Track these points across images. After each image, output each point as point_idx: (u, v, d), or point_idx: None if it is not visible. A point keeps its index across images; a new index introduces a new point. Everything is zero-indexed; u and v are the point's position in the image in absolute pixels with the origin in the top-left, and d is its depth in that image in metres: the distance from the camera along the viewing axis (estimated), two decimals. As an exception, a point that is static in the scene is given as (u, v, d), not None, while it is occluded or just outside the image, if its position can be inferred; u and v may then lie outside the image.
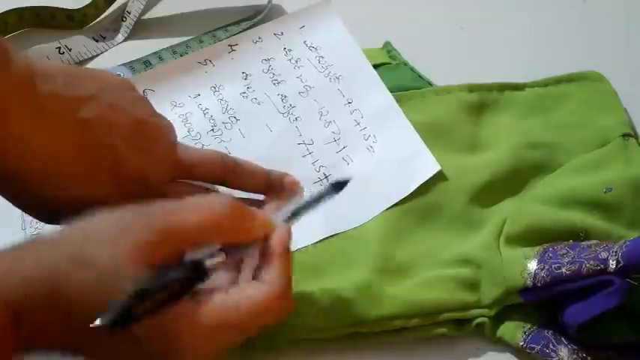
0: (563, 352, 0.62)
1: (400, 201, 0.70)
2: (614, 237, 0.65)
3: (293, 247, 0.57)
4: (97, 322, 0.47)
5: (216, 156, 0.65)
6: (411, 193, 0.71)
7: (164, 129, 0.64)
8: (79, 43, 0.84)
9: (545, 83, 0.77)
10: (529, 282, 0.63)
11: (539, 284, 0.63)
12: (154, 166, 0.63)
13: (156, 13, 0.87)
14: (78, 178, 0.61)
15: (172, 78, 0.78)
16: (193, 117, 0.76)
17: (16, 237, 0.70)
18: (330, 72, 0.77)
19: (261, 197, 0.65)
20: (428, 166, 0.72)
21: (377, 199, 0.71)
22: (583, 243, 0.64)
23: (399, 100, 0.76)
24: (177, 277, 0.50)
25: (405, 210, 0.70)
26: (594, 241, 0.64)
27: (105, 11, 0.86)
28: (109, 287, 0.49)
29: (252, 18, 0.84)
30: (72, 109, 0.60)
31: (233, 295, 0.53)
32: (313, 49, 0.79)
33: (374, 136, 0.74)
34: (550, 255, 0.63)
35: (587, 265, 0.61)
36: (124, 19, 0.85)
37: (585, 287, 0.61)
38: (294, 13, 0.81)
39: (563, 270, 0.62)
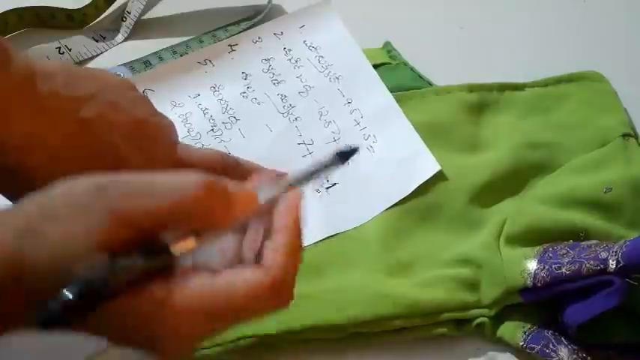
0: (563, 352, 0.62)
1: (400, 201, 0.70)
2: (614, 237, 0.65)
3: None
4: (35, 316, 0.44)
5: (217, 155, 0.65)
6: (411, 193, 0.71)
7: (165, 128, 0.64)
8: (79, 43, 0.84)
9: (545, 83, 0.77)
10: (529, 282, 0.63)
11: (539, 284, 0.63)
12: (154, 165, 0.63)
13: (156, 13, 0.87)
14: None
15: (172, 78, 0.78)
16: (193, 117, 0.76)
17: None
18: (330, 72, 0.77)
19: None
20: (428, 166, 0.72)
21: (377, 199, 0.71)
22: (583, 243, 0.64)
23: (399, 100, 0.76)
24: (132, 266, 0.45)
25: (405, 210, 0.70)
26: (594, 241, 0.64)
27: (105, 11, 0.86)
28: (61, 267, 0.45)
29: (252, 18, 0.84)
30: (72, 108, 0.60)
31: (224, 277, 0.48)
32: (313, 49, 0.79)
33: (374, 136, 0.74)
34: (550, 255, 0.63)
35: (587, 265, 0.61)
36: (124, 19, 0.85)
37: (585, 287, 0.61)
38: (294, 13, 0.81)
39: (563, 270, 0.62)
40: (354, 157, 0.72)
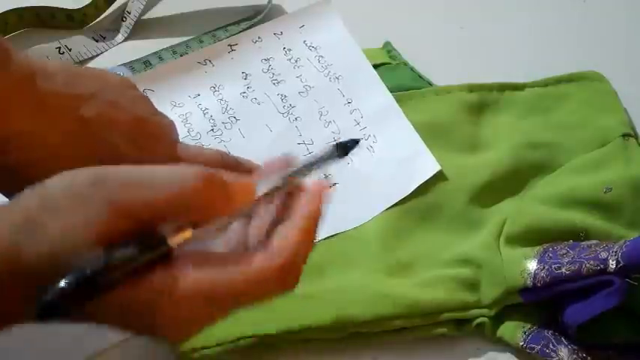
0: (563, 352, 0.62)
1: (400, 201, 0.70)
2: (614, 237, 0.65)
3: None
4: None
5: (217, 155, 0.65)
6: (411, 193, 0.71)
7: (165, 127, 0.64)
8: (79, 43, 0.84)
9: (545, 83, 0.77)
10: (529, 282, 0.63)
11: (539, 284, 0.63)
12: (154, 164, 0.62)
13: (156, 13, 0.87)
14: None
15: (172, 78, 0.78)
16: (193, 117, 0.76)
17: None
18: (329, 72, 0.77)
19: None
20: (428, 166, 0.72)
21: (377, 199, 0.71)
22: (583, 243, 0.64)
23: (399, 100, 0.76)
24: (130, 256, 0.45)
25: (405, 210, 0.70)
26: (594, 241, 0.64)
27: (105, 11, 0.86)
28: (61, 258, 0.45)
29: (252, 18, 0.84)
30: (72, 106, 0.60)
31: (225, 263, 0.48)
32: (313, 49, 0.79)
33: (374, 135, 0.74)
34: (550, 255, 0.63)
35: (587, 265, 0.61)
36: (124, 19, 0.85)
37: (585, 287, 0.61)
38: (294, 13, 0.81)
39: (563, 270, 0.62)
40: (355, 157, 0.73)
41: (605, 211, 0.67)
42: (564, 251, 0.63)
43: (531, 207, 0.68)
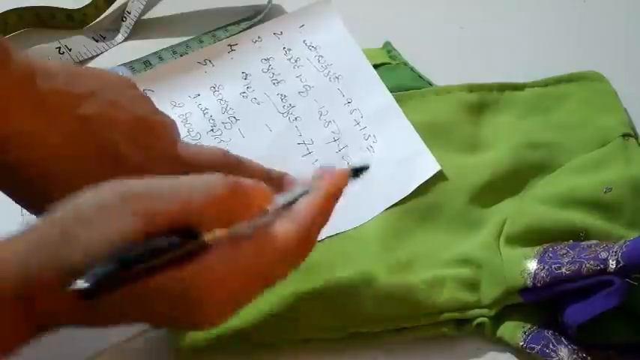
0: (563, 352, 0.62)
1: (400, 201, 0.70)
2: (614, 237, 0.65)
3: None
4: (77, 285, 0.48)
5: (219, 153, 0.66)
6: (411, 193, 0.71)
7: (166, 127, 0.65)
8: (79, 43, 0.84)
9: (545, 83, 0.77)
10: (529, 282, 0.63)
11: (539, 284, 0.63)
12: (154, 163, 0.63)
13: (156, 13, 0.87)
14: (79, 174, 0.61)
15: (172, 78, 0.78)
16: (193, 117, 0.76)
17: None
18: (329, 71, 0.77)
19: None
20: (428, 166, 0.72)
21: (377, 199, 0.71)
22: (583, 243, 0.64)
23: (399, 100, 0.76)
24: (165, 248, 0.50)
25: (405, 210, 0.70)
26: (594, 241, 0.64)
27: (105, 11, 0.86)
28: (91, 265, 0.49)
29: (252, 18, 0.84)
30: (72, 105, 0.61)
31: (254, 239, 0.54)
32: (313, 49, 0.79)
33: (374, 135, 0.74)
34: (550, 255, 0.63)
35: (587, 265, 0.61)
36: (124, 19, 0.85)
37: (585, 287, 0.61)
38: (294, 13, 0.81)
39: (563, 270, 0.62)
40: (355, 157, 0.74)
41: (605, 211, 0.67)
42: (564, 251, 0.63)
43: (531, 207, 0.68)
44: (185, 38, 0.83)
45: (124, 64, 0.81)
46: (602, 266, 0.61)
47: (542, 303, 0.64)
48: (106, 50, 0.84)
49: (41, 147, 0.60)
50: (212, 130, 0.76)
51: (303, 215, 0.56)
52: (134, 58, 0.81)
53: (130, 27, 0.85)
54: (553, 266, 0.62)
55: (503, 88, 0.77)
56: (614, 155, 0.71)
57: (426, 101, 0.76)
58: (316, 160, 0.73)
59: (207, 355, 0.62)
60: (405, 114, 0.75)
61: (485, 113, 0.76)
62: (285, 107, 0.76)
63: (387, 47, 0.81)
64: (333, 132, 0.75)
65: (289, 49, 0.79)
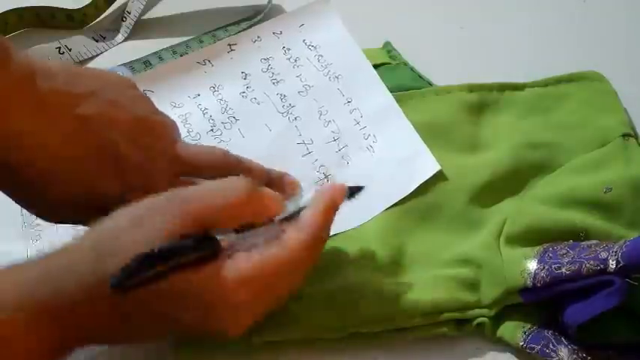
0: (563, 352, 0.62)
1: (400, 201, 0.70)
2: (614, 237, 0.65)
3: None
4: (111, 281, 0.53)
5: (219, 153, 0.66)
6: (410, 193, 0.71)
7: (166, 127, 0.65)
8: (79, 43, 0.84)
9: (545, 83, 0.77)
10: (529, 282, 0.63)
11: (539, 284, 0.62)
12: (154, 163, 0.63)
13: (156, 13, 0.87)
14: (79, 174, 0.61)
15: (171, 78, 0.78)
16: (193, 117, 0.76)
17: (16, 236, 0.70)
18: (329, 71, 0.77)
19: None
20: (428, 165, 0.72)
21: (377, 199, 0.70)
22: (583, 243, 0.64)
23: (399, 100, 0.76)
24: (185, 248, 0.54)
25: (405, 210, 0.70)
26: (594, 241, 0.64)
27: (105, 11, 0.87)
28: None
29: (252, 18, 0.84)
30: (72, 105, 0.61)
31: (268, 247, 0.57)
32: (312, 48, 0.79)
33: (374, 135, 0.74)
34: (550, 255, 0.63)
35: (588, 265, 0.61)
36: (124, 19, 0.85)
37: (585, 287, 0.61)
38: (293, 12, 0.81)
39: (564, 270, 0.62)
40: (355, 157, 0.74)
41: (605, 211, 0.67)
42: (564, 251, 0.63)
43: (531, 207, 0.68)
44: (185, 38, 0.83)
45: (124, 64, 0.81)
46: (602, 266, 0.61)
47: (542, 303, 0.64)
48: (106, 50, 0.84)
49: (41, 147, 0.60)
50: (212, 130, 0.76)
51: (310, 224, 0.58)
52: (134, 58, 0.81)
53: (130, 27, 0.85)
54: (553, 266, 0.62)
55: (503, 88, 0.77)
56: (614, 155, 0.71)
57: (426, 101, 0.76)
58: (316, 159, 0.73)
59: (207, 355, 0.62)
60: (405, 114, 0.75)
61: (485, 113, 0.76)
62: (285, 107, 0.76)
63: (387, 47, 0.81)
64: (332, 132, 0.75)
65: (289, 49, 0.79)
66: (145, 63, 0.81)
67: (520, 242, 0.66)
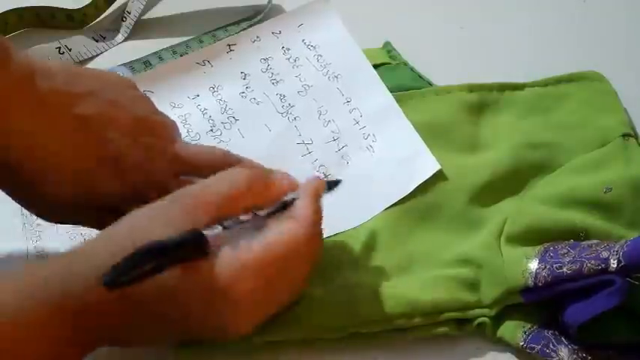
0: (564, 352, 0.62)
1: (400, 201, 0.70)
2: (614, 237, 0.65)
3: None
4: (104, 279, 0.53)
5: (219, 152, 0.66)
6: (410, 193, 0.71)
7: (166, 127, 0.65)
8: (79, 43, 0.84)
9: (545, 83, 0.77)
10: (530, 282, 0.63)
11: (540, 284, 0.62)
12: (154, 163, 0.63)
13: (156, 13, 0.87)
14: (78, 174, 0.61)
15: (171, 79, 0.78)
16: (192, 118, 0.76)
17: (16, 236, 0.70)
18: (328, 71, 0.77)
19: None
20: (428, 165, 0.71)
21: (377, 199, 0.70)
22: (584, 242, 0.64)
23: (399, 100, 0.76)
24: (173, 244, 0.55)
25: (405, 210, 0.70)
26: (595, 241, 0.64)
27: (105, 11, 0.87)
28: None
29: (252, 18, 0.84)
30: (71, 105, 0.61)
31: (261, 236, 0.58)
32: (312, 48, 0.79)
33: (373, 135, 0.74)
34: (551, 254, 0.63)
35: (589, 264, 0.61)
36: (124, 19, 0.85)
37: (586, 287, 0.61)
38: (292, 12, 0.81)
39: (565, 269, 0.62)
40: (355, 157, 0.73)
41: (605, 211, 0.67)
42: (565, 251, 0.63)
43: (531, 207, 0.68)
44: (185, 38, 0.83)
45: (124, 64, 0.81)
46: (603, 266, 0.61)
47: (542, 303, 0.63)
48: (106, 50, 0.84)
49: (41, 147, 0.60)
50: (211, 130, 0.75)
51: (304, 213, 0.59)
52: (134, 58, 0.81)
53: (130, 27, 0.85)
54: (554, 266, 0.62)
55: (503, 88, 0.77)
56: (614, 155, 0.71)
57: (426, 101, 0.76)
58: (316, 159, 0.73)
59: (207, 355, 0.62)
60: (405, 114, 0.75)
61: (485, 113, 0.76)
62: (285, 107, 0.76)
63: (387, 47, 0.81)
64: (332, 131, 0.75)
65: (288, 49, 0.79)
66: (145, 63, 0.81)
67: (520, 242, 0.66)
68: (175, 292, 0.55)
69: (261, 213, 0.60)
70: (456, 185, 0.71)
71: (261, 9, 0.85)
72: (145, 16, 0.86)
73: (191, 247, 0.56)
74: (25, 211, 0.67)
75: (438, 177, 0.71)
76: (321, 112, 0.76)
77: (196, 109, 0.77)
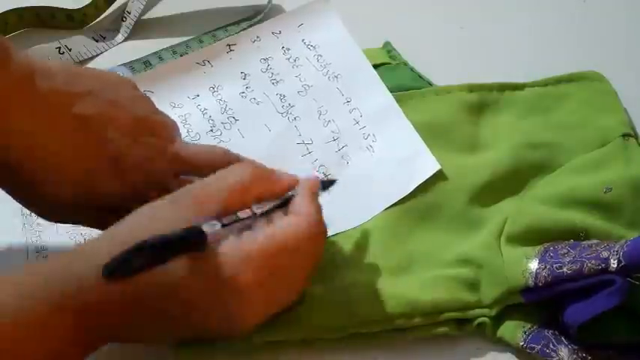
0: (564, 352, 0.62)
1: (400, 201, 0.70)
2: (614, 237, 0.65)
3: None
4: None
5: (220, 152, 0.66)
6: (410, 193, 0.71)
7: (166, 126, 0.65)
8: (79, 43, 0.84)
9: (545, 83, 0.77)
10: (530, 282, 0.63)
11: (540, 284, 0.62)
12: (154, 162, 0.63)
13: (156, 13, 0.87)
14: (78, 174, 0.61)
15: (171, 79, 0.78)
16: (192, 118, 0.76)
17: (16, 236, 0.70)
18: (328, 70, 0.77)
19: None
20: (428, 165, 0.72)
21: (377, 199, 0.70)
22: (584, 242, 0.64)
23: (399, 100, 0.76)
24: (174, 238, 0.55)
25: (405, 210, 0.70)
26: (595, 241, 0.64)
27: (105, 11, 0.87)
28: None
29: (252, 18, 0.84)
30: (71, 104, 0.61)
31: (263, 229, 0.58)
32: (312, 48, 0.79)
33: (373, 135, 0.74)
34: (551, 254, 0.63)
35: (589, 264, 0.61)
36: (124, 19, 0.85)
37: (586, 287, 0.61)
38: (292, 12, 0.81)
39: (565, 269, 0.62)
40: (355, 157, 0.73)
41: (605, 211, 0.67)
42: (565, 250, 0.63)
43: (531, 207, 0.68)
44: (185, 38, 0.83)
45: (124, 64, 0.81)
46: (603, 266, 0.61)
47: (542, 303, 0.63)
48: (106, 50, 0.84)
49: (41, 147, 0.60)
50: (211, 130, 0.75)
51: (305, 209, 0.60)
52: (134, 58, 0.81)
53: (130, 27, 0.85)
54: (554, 266, 0.62)
55: (503, 88, 0.77)
56: (614, 155, 0.71)
57: (426, 101, 0.76)
58: (316, 159, 0.73)
59: (207, 355, 0.62)
60: (405, 114, 0.75)
61: (485, 113, 0.76)
62: (285, 107, 0.76)
63: (387, 47, 0.81)
64: (332, 131, 0.75)
65: (288, 49, 0.79)
66: (145, 63, 0.81)
67: (520, 242, 0.66)
68: (177, 287, 0.55)
69: (260, 211, 0.60)
70: (456, 185, 0.71)
71: (261, 9, 0.85)
72: (145, 16, 0.86)
73: (191, 243, 0.56)
74: (25, 211, 0.67)
75: (438, 177, 0.71)
76: (321, 112, 0.76)
77: (196, 109, 0.77)
